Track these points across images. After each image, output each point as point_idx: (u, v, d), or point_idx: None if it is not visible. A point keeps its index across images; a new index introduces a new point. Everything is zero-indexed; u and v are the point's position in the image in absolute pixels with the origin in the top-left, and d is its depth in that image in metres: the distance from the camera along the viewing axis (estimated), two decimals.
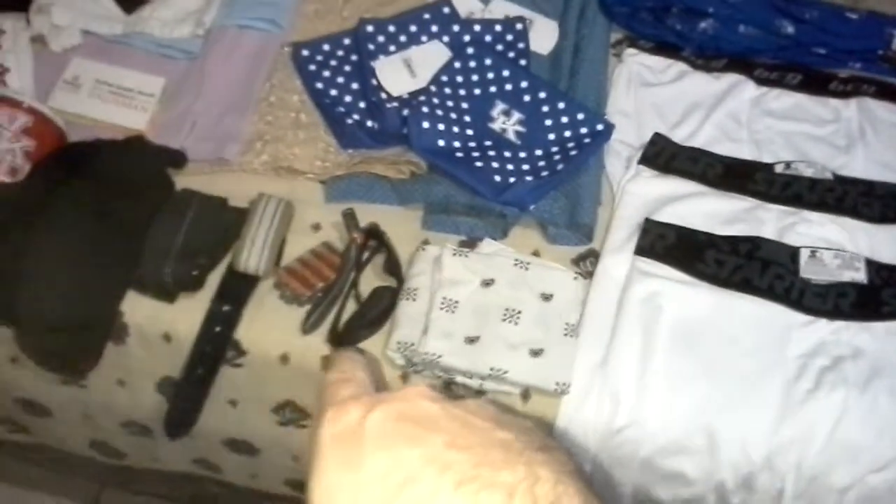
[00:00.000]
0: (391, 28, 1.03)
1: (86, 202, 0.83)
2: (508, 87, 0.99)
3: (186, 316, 0.82)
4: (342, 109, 0.98)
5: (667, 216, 0.91)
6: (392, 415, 0.31)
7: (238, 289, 0.84)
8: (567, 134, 0.96)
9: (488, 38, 1.04)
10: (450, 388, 0.81)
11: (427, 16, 1.04)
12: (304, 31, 1.04)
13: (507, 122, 0.97)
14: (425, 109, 0.95)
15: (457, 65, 0.99)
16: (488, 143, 0.96)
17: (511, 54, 1.03)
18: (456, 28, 1.03)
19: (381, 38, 1.02)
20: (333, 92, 0.99)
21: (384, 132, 0.96)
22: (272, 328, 0.83)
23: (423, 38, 1.03)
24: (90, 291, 0.80)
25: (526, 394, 0.81)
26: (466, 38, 1.03)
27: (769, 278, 0.87)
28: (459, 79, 0.99)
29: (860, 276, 0.87)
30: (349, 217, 0.89)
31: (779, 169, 0.95)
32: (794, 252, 0.88)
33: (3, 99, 0.85)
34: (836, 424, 0.79)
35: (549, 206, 0.92)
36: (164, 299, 0.82)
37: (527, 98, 0.98)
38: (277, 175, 0.93)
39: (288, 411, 0.88)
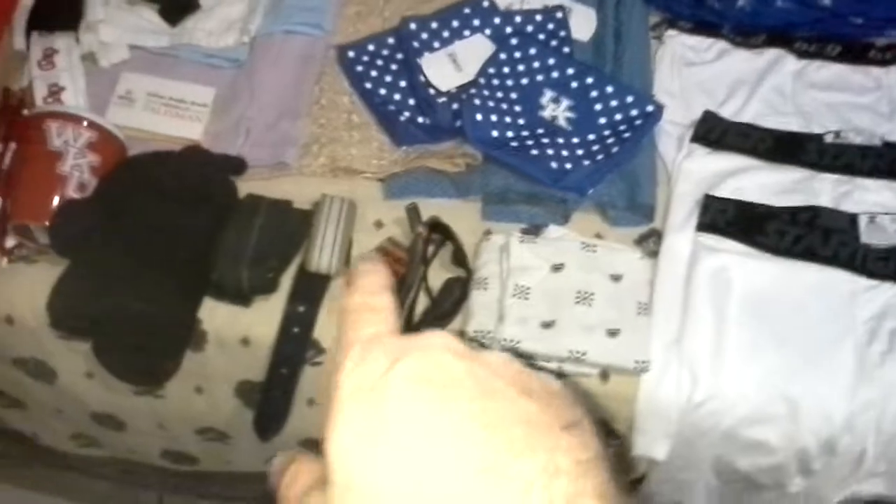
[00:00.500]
0: (434, 25, 1.04)
1: (155, 214, 0.83)
2: (555, 74, 1.00)
3: (263, 319, 0.83)
4: (393, 108, 0.99)
5: (724, 191, 0.92)
6: (416, 375, 0.29)
7: (311, 289, 0.84)
8: (618, 117, 0.97)
9: (530, 28, 1.04)
10: None
11: (467, 10, 1.05)
12: (347, 33, 1.05)
13: (556, 110, 0.98)
14: (477, 102, 0.96)
15: (502, 56, 1.00)
16: (540, 130, 0.97)
17: (553, 43, 1.04)
18: (497, 20, 1.04)
19: (424, 35, 1.03)
20: (382, 91, 1.00)
21: (437, 127, 0.97)
22: None
23: (466, 33, 1.04)
24: (167, 301, 0.81)
25: (605, 374, 0.82)
26: (508, 29, 1.04)
27: (833, 246, 0.87)
28: (506, 70, 1.00)
29: None
30: (412, 212, 0.90)
31: (828, 139, 0.96)
32: (852, 219, 0.89)
33: (66, 116, 0.86)
34: None
35: (608, 189, 0.92)
36: (240, 304, 0.83)
37: (574, 84, 0.99)
38: (335, 176, 0.94)
39: None
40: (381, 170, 0.95)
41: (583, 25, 1.07)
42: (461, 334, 0.82)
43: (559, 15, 1.05)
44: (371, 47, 1.03)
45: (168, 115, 0.96)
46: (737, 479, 0.88)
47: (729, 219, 0.90)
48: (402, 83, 1.01)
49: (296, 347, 0.82)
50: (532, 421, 0.28)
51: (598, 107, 0.98)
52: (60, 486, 1.21)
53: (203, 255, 0.83)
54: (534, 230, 0.91)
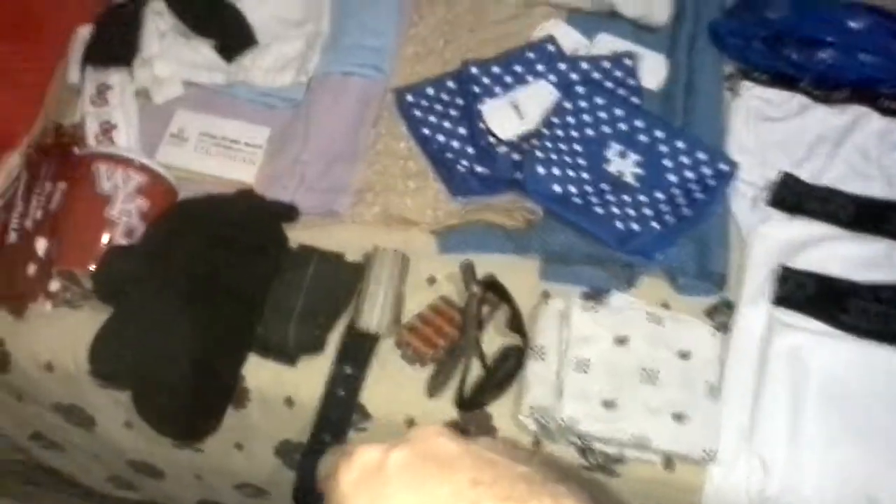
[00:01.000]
0: (495, 69, 0.99)
1: (204, 263, 0.80)
2: (623, 126, 0.95)
3: (308, 379, 0.80)
4: (451, 155, 0.95)
5: (802, 262, 0.86)
6: (414, 455, 0.31)
7: (359, 349, 0.81)
8: (689, 175, 0.92)
9: (597, 75, 1.00)
10: (585, 455, 0.77)
11: (531, 55, 1.00)
12: (405, 75, 1.01)
13: (623, 165, 0.93)
14: (539, 154, 0.91)
15: (567, 106, 0.96)
16: (606, 186, 0.92)
17: (621, 92, 0.99)
18: (562, 66, 1.00)
19: (485, 80, 0.98)
20: (441, 138, 0.96)
21: (495, 178, 0.93)
22: (396, 391, 0.80)
23: (529, 78, 0.99)
24: (211, 357, 0.78)
25: (669, 462, 0.76)
26: (574, 76, 0.99)
27: None
28: (571, 120, 0.95)
29: None
30: (467, 270, 0.86)
31: None
32: None
33: (116, 158, 0.84)
34: None
35: (677, 253, 0.87)
36: (286, 362, 0.80)
37: (643, 138, 0.94)
38: (388, 226, 0.90)
39: None
40: (436, 221, 0.91)
41: (653, 73, 1.02)
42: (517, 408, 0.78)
43: (628, 62, 1.00)
44: (430, 91, 0.99)
45: (220, 155, 0.94)
46: None
47: (808, 294, 0.84)
48: (462, 130, 0.97)
49: (341, 412, 0.78)
50: (530, 479, 0.30)
51: (667, 163, 0.93)
52: None
53: (251, 308, 0.80)
54: (595, 295, 0.86)
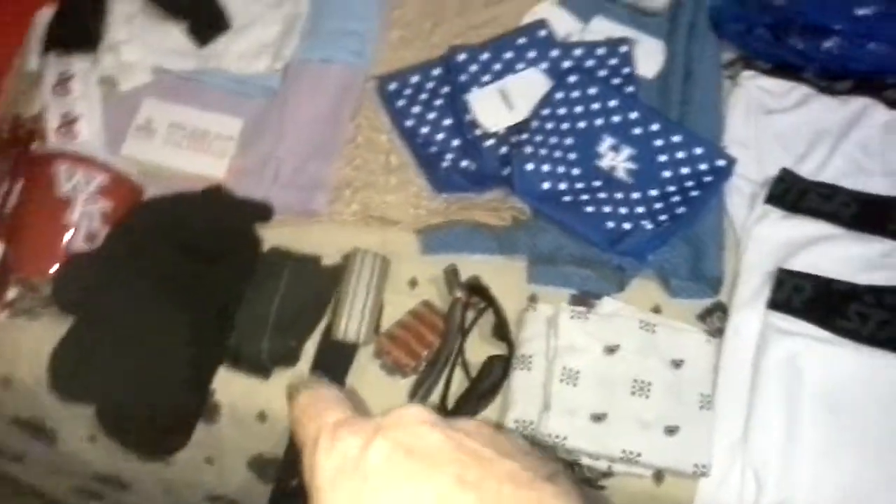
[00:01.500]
0: (484, 56, 0.94)
1: (169, 271, 0.76)
2: (616, 118, 0.90)
3: (282, 392, 0.75)
4: (435, 149, 0.90)
5: (800, 264, 0.82)
6: (395, 448, 0.29)
7: (336, 360, 0.77)
8: (684, 171, 0.87)
9: (590, 62, 0.94)
10: (573, 469, 0.74)
11: (523, 40, 0.95)
12: (390, 61, 0.95)
13: (616, 159, 0.88)
14: (528, 149, 0.87)
15: (558, 96, 0.90)
16: (597, 183, 0.87)
17: (616, 80, 0.94)
18: (555, 53, 0.94)
19: (473, 68, 0.93)
20: (424, 130, 0.91)
21: (482, 173, 0.88)
22: (375, 403, 0.76)
23: (520, 66, 0.94)
24: (178, 370, 0.74)
25: (659, 475, 0.73)
26: (567, 63, 0.94)
27: None
28: (562, 111, 0.90)
29: None
30: (451, 274, 0.81)
31: None
32: None
33: (76, 157, 0.78)
34: None
35: (669, 254, 0.83)
36: (259, 376, 0.76)
37: (637, 131, 0.89)
38: (368, 225, 0.86)
39: None
40: (419, 220, 0.86)
41: (650, 60, 0.96)
42: (499, 422, 0.74)
43: (624, 49, 0.95)
44: (414, 79, 0.94)
45: (191, 148, 0.89)
46: None
47: (805, 298, 0.80)
48: (447, 121, 0.92)
49: None
50: (516, 478, 0.29)
51: (662, 158, 0.88)
52: None
53: (221, 317, 0.75)
54: (585, 299, 0.82)
